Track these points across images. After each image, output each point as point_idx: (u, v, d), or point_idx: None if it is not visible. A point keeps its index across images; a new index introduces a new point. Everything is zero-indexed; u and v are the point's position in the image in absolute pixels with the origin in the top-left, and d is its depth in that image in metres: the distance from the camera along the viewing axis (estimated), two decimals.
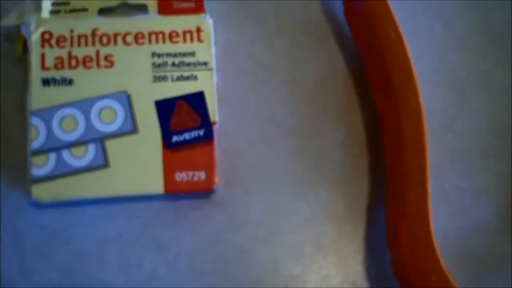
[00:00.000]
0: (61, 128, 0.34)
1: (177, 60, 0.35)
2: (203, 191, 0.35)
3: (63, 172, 0.34)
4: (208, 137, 0.35)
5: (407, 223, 0.34)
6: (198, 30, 0.36)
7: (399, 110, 0.34)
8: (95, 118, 0.34)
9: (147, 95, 0.35)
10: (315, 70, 0.38)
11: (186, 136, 0.35)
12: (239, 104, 0.37)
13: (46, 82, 0.34)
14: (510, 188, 0.38)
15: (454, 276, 0.34)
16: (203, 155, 0.35)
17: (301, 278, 0.36)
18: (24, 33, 0.35)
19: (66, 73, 0.35)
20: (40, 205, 0.35)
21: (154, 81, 0.35)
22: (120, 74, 0.35)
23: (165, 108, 0.35)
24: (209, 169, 0.35)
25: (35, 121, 0.34)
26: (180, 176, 0.34)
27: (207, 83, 0.35)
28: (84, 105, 0.34)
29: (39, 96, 0.34)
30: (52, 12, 0.36)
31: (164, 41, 0.35)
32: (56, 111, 0.34)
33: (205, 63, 0.35)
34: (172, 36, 0.36)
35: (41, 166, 0.34)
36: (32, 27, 0.35)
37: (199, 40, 0.36)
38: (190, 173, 0.35)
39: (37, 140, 0.34)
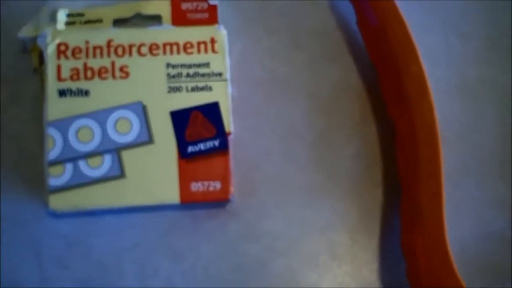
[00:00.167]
0: (77, 138, 0.34)
1: (191, 71, 0.35)
2: (219, 201, 0.35)
3: (80, 182, 0.34)
4: (223, 148, 0.35)
5: (423, 234, 0.34)
6: (212, 41, 0.36)
7: (414, 122, 0.34)
8: (111, 128, 0.35)
9: (162, 105, 0.35)
10: (330, 81, 0.38)
11: (202, 146, 0.35)
12: (254, 115, 0.38)
13: (62, 93, 0.35)
14: None
15: (469, 286, 0.34)
16: (219, 165, 0.35)
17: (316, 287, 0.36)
18: (40, 45, 0.35)
19: (82, 84, 0.35)
20: (57, 215, 0.36)
21: (169, 91, 0.35)
22: (135, 85, 0.35)
23: (180, 118, 0.35)
24: (225, 179, 0.35)
25: (52, 131, 0.34)
26: (196, 186, 0.35)
27: (222, 94, 0.35)
28: (100, 116, 0.35)
29: (55, 107, 0.35)
30: (68, 24, 0.36)
31: (178, 52, 0.36)
32: (72, 122, 0.35)
33: (220, 74, 0.36)
34: (186, 47, 0.36)
35: (58, 176, 0.34)
36: (48, 39, 0.35)
37: (213, 51, 0.36)
38: (206, 183, 0.35)
39: (53, 151, 0.34)
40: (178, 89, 0.35)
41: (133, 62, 0.35)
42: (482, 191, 0.38)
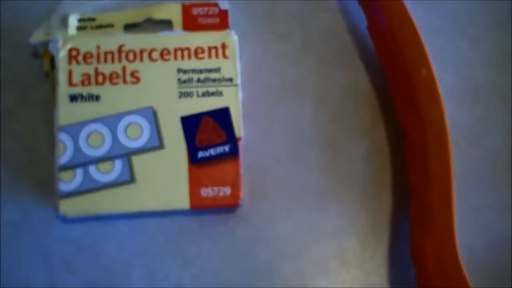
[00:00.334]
0: (88, 143, 0.35)
1: (202, 76, 0.36)
2: (228, 207, 0.35)
3: (90, 188, 0.34)
4: (233, 153, 0.35)
5: (432, 239, 0.34)
6: (223, 46, 0.36)
7: (424, 126, 0.34)
8: (122, 133, 0.35)
9: (173, 111, 0.35)
10: (340, 85, 0.38)
11: (212, 151, 0.35)
12: (264, 119, 0.38)
13: (73, 98, 0.35)
14: None
15: None
16: (229, 171, 0.35)
17: None
18: (52, 50, 0.35)
19: (93, 89, 0.35)
20: (67, 220, 0.36)
21: (180, 97, 0.35)
22: (146, 90, 0.35)
23: (190, 124, 0.35)
24: (235, 184, 0.35)
25: (63, 136, 0.34)
26: (206, 192, 0.35)
27: (232, 99, 0.35)
28: (111, 121, 0.35)
29: (66, 112, 0.35)
30: (79, 29, 0.37)
31: (189, 57, 0.36)
32: (83, 126, 0.35)
33: (231, 79, 0.36)
34: (197, 52, 0.36)
35: (69, 181, 0.34)
36: (60, 44, 0.35)
37: (224, 56, 0.36)
38: (216, 188, 0.35)
39: (64, 156, 0.34)
40: (188, 94, 0.35)
41: (144, 67, 0.35)
42: (492, 196, 0.38)
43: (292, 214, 0.37)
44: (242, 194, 0.35)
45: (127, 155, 0.35)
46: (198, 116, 0.35)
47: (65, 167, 0.34)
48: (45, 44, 0.36)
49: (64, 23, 0.37)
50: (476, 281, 0.36)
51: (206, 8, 0.37)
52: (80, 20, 0.37)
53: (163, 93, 0.35)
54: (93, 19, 0.37)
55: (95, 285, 0.35)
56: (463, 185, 0.37)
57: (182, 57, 0.36)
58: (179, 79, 0.35)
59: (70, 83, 0.35)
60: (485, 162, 0.38)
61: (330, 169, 0.37)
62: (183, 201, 0.35)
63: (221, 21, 0.37)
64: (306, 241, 0.37)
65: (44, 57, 0.36)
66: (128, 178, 0.34)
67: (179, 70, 0.36)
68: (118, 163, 0.35)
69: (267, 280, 0.36)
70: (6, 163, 0.36)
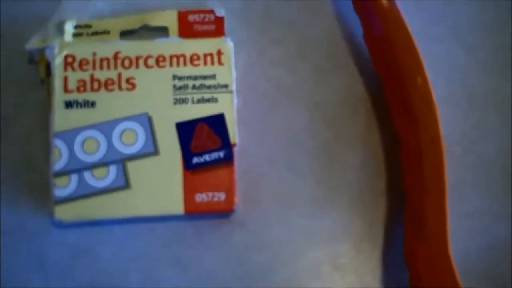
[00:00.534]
0: (83, 149, 0.35)
1: (198, 82, 0.36)
2: (223, 212, 0.35)
3: (85, 193, 0.34)
4: (228, 159, 0.35)
5: (426, 245, 0.34)
6: (219, 53, 0.36)
7: (418, 133, 0.35)
8: (117, 140, 0.35)
9: (168, 117, 0.35)
10: (335, 92, 0.38)
11: (207, 157, 0.35)
12: (259, 125, 0.38)
13: (68, 104, 0.35)
14: None
15: None
16: (223, 177, 0.35)
17: None
18: (48, 57, 0.35)
19: (89, 96, 0.35)
20: (62, 225, 0.36)
21: (175, 103, 0.35)
22: (142, 97, 0.35)
23: (185, 130, 0.35)
24: (229, 190, 0.35)
25: (58, 143, 0.35)
26: (200, 197, 0.35)
27: (227, 106, 0.36)
28: (106, 127, 0.35)
29: (62, 118, 0.35)
30: (75, 35, 0.37)
31: (185, 64, 0.36)
32: (78, 133, 0.35)
33: (226, 86, 0.36)
34: (193, 59, 0.36)
35: (64, 187, 0.34)
36: (56, 50, 0.35)
37: (220, 63, 0.36)
38: (210, 194, 0.35)
39: (59, 162, 0.35)
40: (184, 101, 0.35)
41: (139, 74, 0.36)
42: (487, 202, 0.38)
43: (287, 219, 0.37)
44: (237, 199, 0.35)
45: (122, 161, 0.35)
46: (193, 122, 0.35)
47: (60, 173, 0.34)
48: (41, 50, 0.36)
49: (60, 29, 0.37)
50: (470, 286, 0.36)
51: (202, 15, 0.37)
52: (76, 27, 0.37)
53: (158, 100, 0.35)
54: (89, 26, 0.37)
55: None
56: (458, 191, 0.37)
57: (178, 64, 0.36)
58: (174, 86, 0.36)
59: (66, 90, 0.35)
60: (480, 168, 0.38)
61: (325, 175, 0.37)
62: (177, 207, 0.35)
63: (217, 28, 0.37)
64: (301, 246, 0.37)
65: (40, 64, 0.36)
66: (123, 183, 0.35)
67: (174, 77, 0.36)
68: (113, 169, 0.35)
69: (262, 285, 0.36)
70: (2, 169, 0.36)
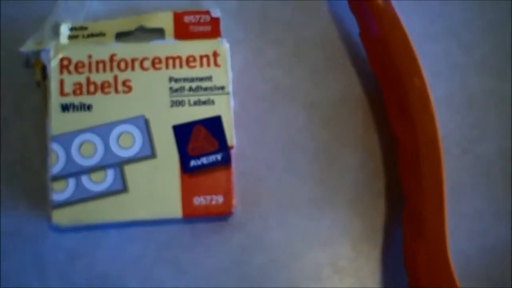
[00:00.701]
0: (80, 153, 0.35)
1: (194, 84, 0.36)
2: (221, 215, 0.35)
3: (83, 197, 0.34)
4: (225, 161, 0.35)
5: (424, 246, 0.34)
6: (215, 54, 0.36)
7: (416, 134, 0.34)
8: (114, 143, 0.35)
9: (165, 119, 0.35)
10: (333, 93, 0.38)
11: (204, 160, 0.35)
12: (256, 127, 0.38)
13: (65, 107, 0.35)
14: None
15: None
16: (221, 179, 0.35)
17: None
18: (43, 59, 0.35)
19: (85, 99, 0.35)
20: (60, 229, 0.36)
21: (172, 105, 0.35)
22: (138, 99, 0.35)
23: (182, 132, 0.35)
24: (227, 193, 0.35)
25: (55, 146, 0.34)
26: (198, 200, 0.35)
27: (224, 108, 0.35)
28: (103, 131, 0.35)
29: (58, 122, 0.35)
30: (70, 37, 0.37)
31: (181, 66, 0.36)
32: (75, 136, 0.35)
33: (222, 88, 0.36)
34: (189, 61, 0.36)
35: (61, 191, 0.34)
36: (51, 53, 0.35)
37: (216, 64, 0.36)
38: (208, 197, 0.35)
39: (56, 166, 0.34)
40: (180, 103, 0.35)
41: (135, 76, 0.35)
42: (486, 202, 0.37)
43: (286, 221, 0.37)
44: (235, 202, 0.35)
45: (119, 165, 0.35)
46: (190, 124, 0.35)
47: (58, 177, 0.34)
48: (37, 53, 0.36)
49: (56, 32, 0.37)
50: (470, 286, 0.36)
51: (197, 16, 0.37)
52: (71, 29, 0.37)
53: (155, 102, 0.35)
54: (85, 28, 0.37)
55: None
56: (456, 191, 0.37)
57: (174, 66, 0.36)
58: (170, 88, 0.35)
59: (62, 93, 0.35)
60: (479, 168, 0.38)
61: (323, 176, 0.37)
62: (175, 210, 0.35)
63: (213, 29, 0.37)
64: (299, 248, 0.37)
65: (35, 67, 0.36)
66: (121, 187, 0.34)
67: (170, 79, 0.36)
68: (110, 173, 0.35)
69: None
70: None
